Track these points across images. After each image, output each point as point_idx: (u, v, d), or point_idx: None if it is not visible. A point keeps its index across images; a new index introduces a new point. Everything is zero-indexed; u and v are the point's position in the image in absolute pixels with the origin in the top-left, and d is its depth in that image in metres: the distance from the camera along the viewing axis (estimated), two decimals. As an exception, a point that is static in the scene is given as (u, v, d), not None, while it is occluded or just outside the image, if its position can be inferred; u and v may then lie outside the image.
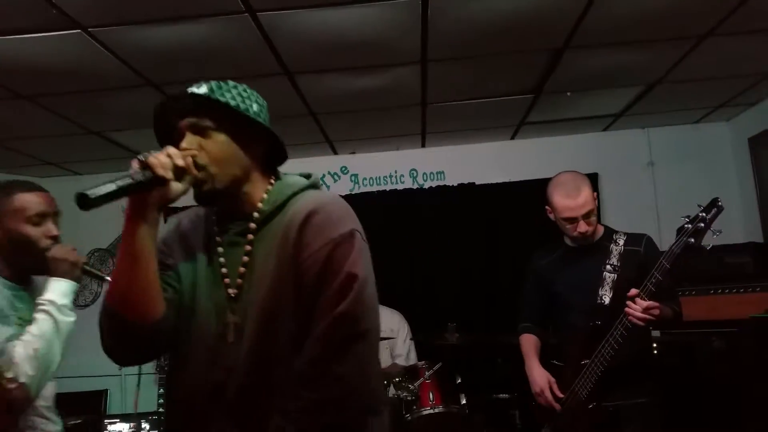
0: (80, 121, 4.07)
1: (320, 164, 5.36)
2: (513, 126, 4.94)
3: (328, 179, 5.35)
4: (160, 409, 4.68)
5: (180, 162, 1.32)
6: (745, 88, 4.29)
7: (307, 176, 1.57)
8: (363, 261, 1.39)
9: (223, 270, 1.43)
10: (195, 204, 1.48)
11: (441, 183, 5.27)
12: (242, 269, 1.41)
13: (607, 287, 2.51)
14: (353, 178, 5.35)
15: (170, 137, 1.44)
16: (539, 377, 2.65)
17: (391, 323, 4.52)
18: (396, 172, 5.34)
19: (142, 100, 3.72)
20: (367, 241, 1.49)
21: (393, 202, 5.20)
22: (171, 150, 1.33)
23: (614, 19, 3.06)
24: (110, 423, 4.66)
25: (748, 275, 3.97)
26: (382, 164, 5.35)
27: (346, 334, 1.29)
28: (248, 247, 1.42)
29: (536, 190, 4.98)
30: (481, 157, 5.29)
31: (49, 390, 1.95)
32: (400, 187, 5.29)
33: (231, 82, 1.46)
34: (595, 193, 2.57)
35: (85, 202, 1.24)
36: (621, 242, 2.58)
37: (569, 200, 2.50)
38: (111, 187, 1.24)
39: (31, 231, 1.88)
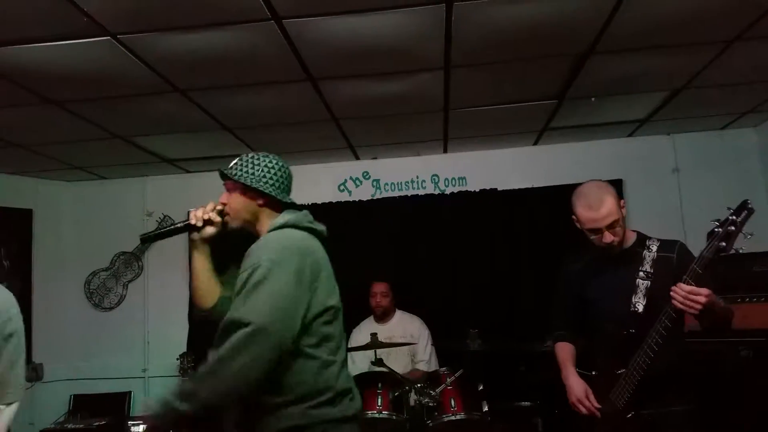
0: (107, 126, 4.14)
1: (342, 169, 5.39)
2: (536, 131, 4.92)
3: (349, 184, 5.37)
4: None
5: (206, 215, 2.09)
6: (774, 93, 4.23)
7: (297, 216, 2.07)
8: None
9: None
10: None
11: (463, 189, 5.26)
12: None
13: (640, 294, 2.44)
14: (375, 183, 5.36)
15: None
16: (577, 386, 2.56)
17: (412, 329, 4.52)
18: (418, 177, 5.34)
19: (169, 106, 3.78)
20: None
21: (414, 207, 5.20)
22: (208, 206, 2.11)
23: (640, 24, 3.04)
24: (134, 424, 4.71)
25: (776, 283, 3.89)
26: (403, 170, 5.35)
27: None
28: None
29: (559, 196, 4.95)
30: (503, 162, 5.28)
31: None
32: (421, 192, 5.29)
33: (250, 157, 2.10)
34: (623, 201, 2.50)
35: (142, 239, 2.16)
36: (654, 248, 2.51)
37: (591, 212, 2.43)
38: (159, 230, 2.14)
39: None
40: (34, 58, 3.01)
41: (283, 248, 1.89)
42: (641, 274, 2.46)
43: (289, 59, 3.20)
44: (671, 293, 2.21)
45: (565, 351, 2.70)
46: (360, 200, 5.31)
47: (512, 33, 3.05)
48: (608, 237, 2.43)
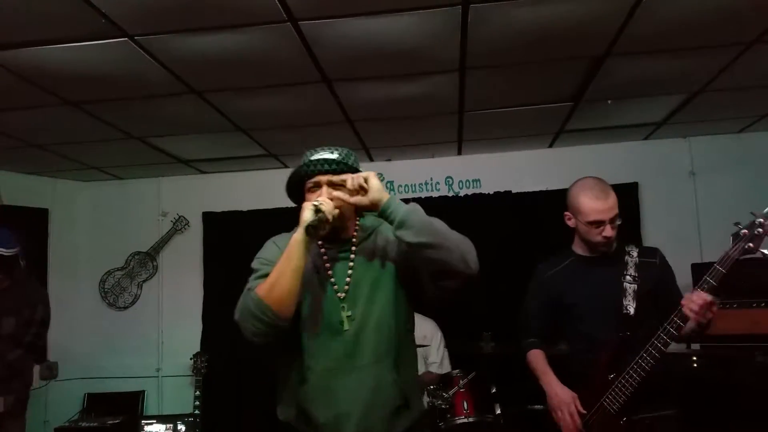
0: (123, 127, 4.17)
1: (356, 171, 5.39)
2: (551, 134, 4.89)
3: (363, 186, 5.36)
4: (196, 411, 4.75)
5: (336, 212, 1.85)
6: (793, 96, 4.18)
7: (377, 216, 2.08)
8: None
9: (332, 278, 1.95)
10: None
11: (477, 191, 5.26)
12: (348, 278, 1.95)
13: (629, 297, 2.45)
14: (389, 185, 5.35)
15: (300, 187, 1.98)
16: (563, 393, 2.52)
17: (425, 330, 4.50)
18: (432, 179, 5.33)
19: (185, 107, 3.80)
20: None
21: (428, 209, 5.15)
22: (327, 202, 1.84)
23: (657, 26, 3.01)
24: (147, 424, 4.74)
25: (792, 289, 3.85)
26: (418, 171, 5.35)
27: None
28: (351, 263, 1.97)
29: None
30: (518, 165, 5.26)
31: None
32: (435, 194, 5.29)
33: (346, 150, 2.00)
34: None
35: (309, 228, 1.79)
36: (635, 254, 2.55)
37: (599, 202, 2.46)
38: (317, 220, 1.80)
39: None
40: (51, 59, 3.04)
41: None
42: (628, 277, 2.49)
43: (304, 61, 3.21)
44: (684, 302, 2.22)
45: (541, 358, 2.70)
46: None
47: (528, 35, 3.04)
48: (609, 230, 2.47)
